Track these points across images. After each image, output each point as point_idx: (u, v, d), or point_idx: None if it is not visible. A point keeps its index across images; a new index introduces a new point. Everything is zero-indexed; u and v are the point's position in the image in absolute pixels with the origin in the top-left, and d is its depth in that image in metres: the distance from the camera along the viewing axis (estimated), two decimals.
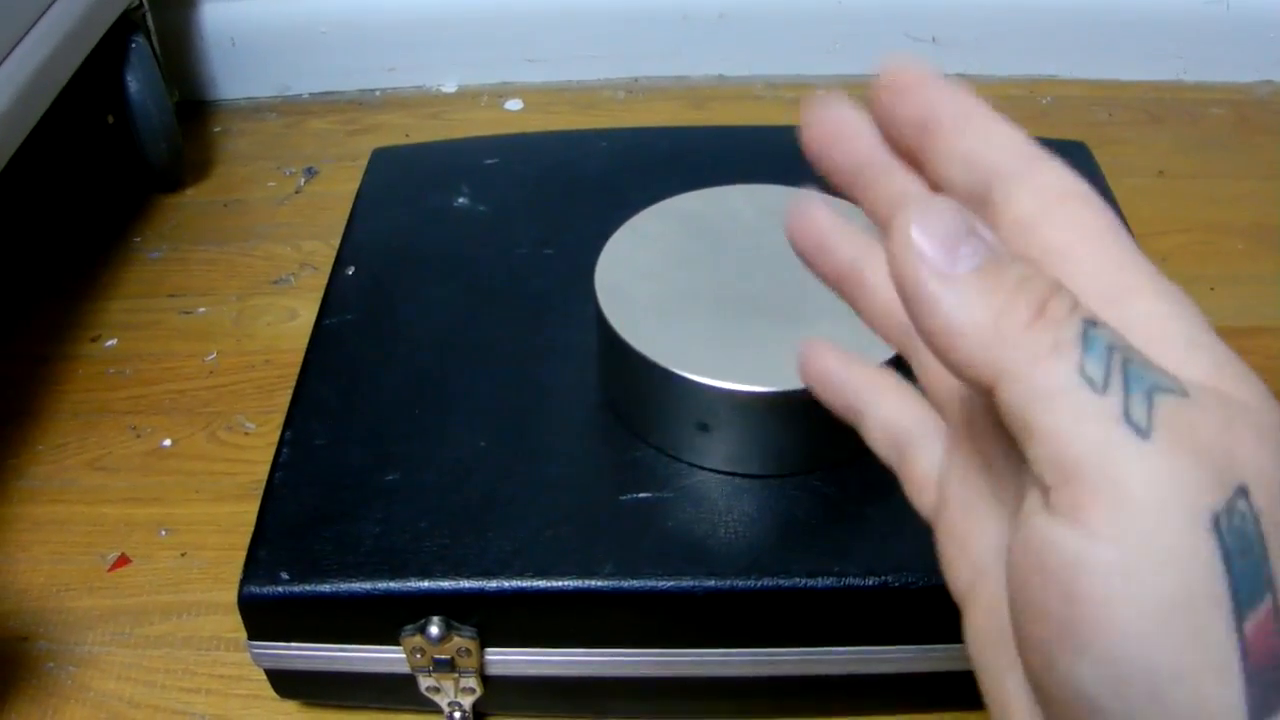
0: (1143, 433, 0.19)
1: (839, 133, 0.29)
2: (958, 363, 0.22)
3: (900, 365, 0.32)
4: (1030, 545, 0.21)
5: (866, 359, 0.33)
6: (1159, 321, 0.22)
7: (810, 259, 0.31)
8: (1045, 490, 0.20)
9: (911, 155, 0.28)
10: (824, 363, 0.33)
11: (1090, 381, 0.20)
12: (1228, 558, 0.19)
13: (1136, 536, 0.19)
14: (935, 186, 0.27)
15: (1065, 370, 0.20)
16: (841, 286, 0.31)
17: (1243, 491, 0.19)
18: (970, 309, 0.21)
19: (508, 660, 0.58)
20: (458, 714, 0.62)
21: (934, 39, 1.18)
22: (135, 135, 1.01)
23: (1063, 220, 0.24)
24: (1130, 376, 0.20)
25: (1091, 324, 0.21)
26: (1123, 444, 0.19)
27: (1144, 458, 0.19)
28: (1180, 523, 0.19)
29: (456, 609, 0.56)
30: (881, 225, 0.29)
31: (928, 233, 0.22)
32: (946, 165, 0.26)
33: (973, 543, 0.28)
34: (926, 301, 0.22)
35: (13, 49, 0.81)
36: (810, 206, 0.31)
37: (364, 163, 0.83)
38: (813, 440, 0.58)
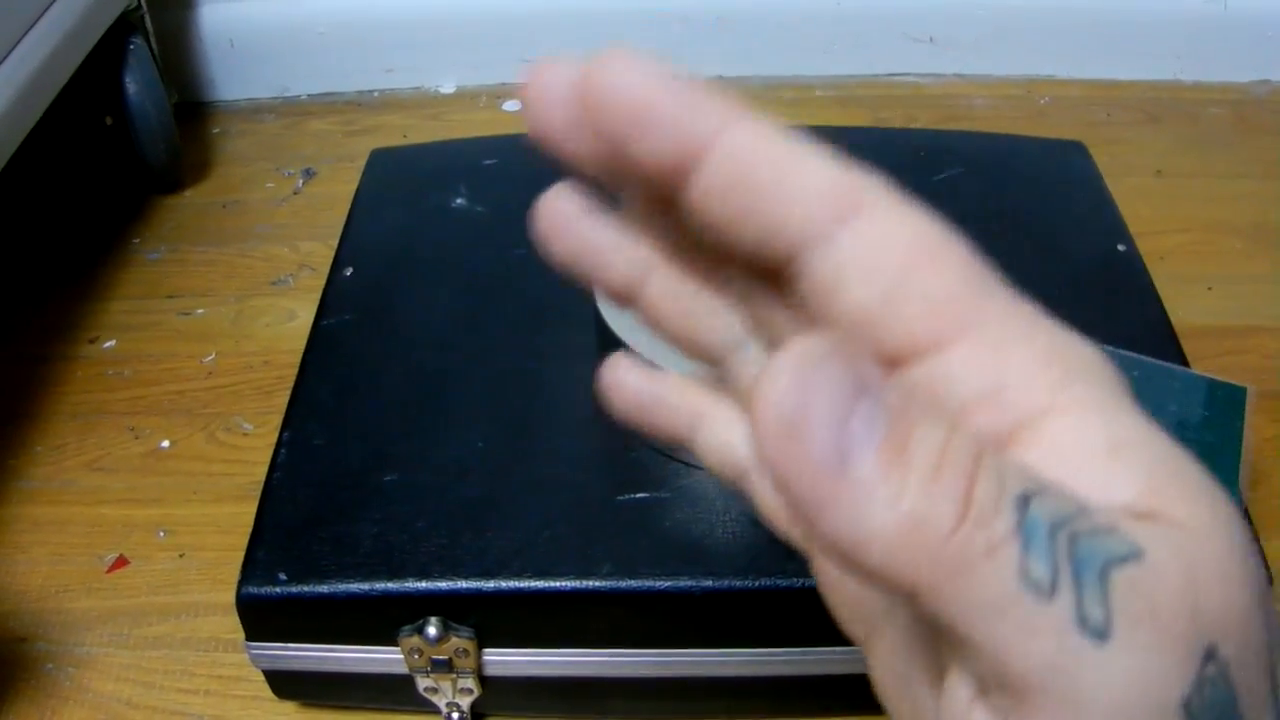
0: (1101, 634, 0.16)
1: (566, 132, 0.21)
2: (861, 571, 0.17)
3: None
4: None
5: (679, 372, 0.27)
6: (1070, 421, 0.18)
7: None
8: (984, 685, 0.17)
9: (660, 199, 0.20)
10: (630, 386, 0.27)
11: (1036, 586, 0.16)
12: None
13: None
14: (698, 243, 0.21)
15: (1005, 579, 0.16)
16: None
17: (1211, 653, 0.17)
18: (874, 513, 0.16)
19: (506, 661, 0.58)
20: (456, 715, 0.62)
21: (931, 39, 1.18)
22: (134, 136, 1.01)
23: (919, 304, 0.19)
24: (1080, 560, 0.16)
25: (1026, 500, 0.17)
26: (1078, 656, 0.16)
27: (1103, 666, 0.16)
28: None
29: (454, 609, 0.56)
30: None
31: (804, 409, 0.16)
32: (726, 228, 0.19)
33: (860, 600, 0.24)
34: (812, 504, 0.17)
35: (11, 50, 0.81)
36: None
37: (362, 163, 0.83)
38: None
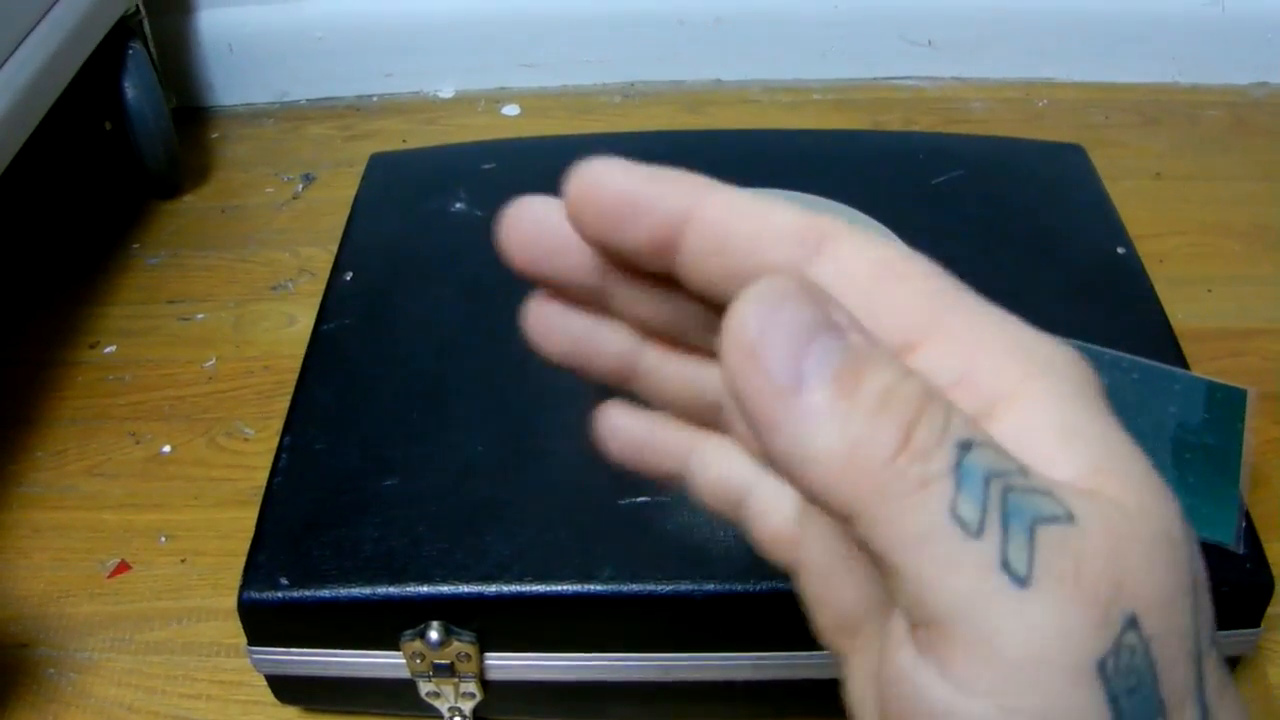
0: (1021, 580, 0.17)
1: (547, 246, 0.23)
2: (805, 490, 0.18)
3: None
4: (900, 683, 0.18)
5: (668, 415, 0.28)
6: (1029, 405, 0.19)
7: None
8: (912, 625, 0.18)
9: (658, 278, 0.23)
10: (626, 433, 0.28)
11: (963, 523, 0.17)
12: (1115, 701, 0.17)
13: (1013, 693, 0.17)
14: (706, 308, 0.23)
15: (934, 512, 0.17)
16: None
17: (1132, 622, 0.17)
18: (820, 435, 0.18)
19: (508, 665, 0.58)
20: (458, 719, 0.62)
21: (930, 42, 1.18)
22: (133, 141, 1.01)
23: (888, 313, 0.20)
24: (1010, 510, 0.17)
25: (966, 447, 0.18)
26: (997, 596, 0.17)
27: (1021, 610, 0.17)
28: (1061, 677, 0.17)
29: (456, 614, 0.56)
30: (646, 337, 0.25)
31: (769, 333, 0.18)
32: (715, 284, 0.21)
33: (844, 608, 0.24)
34: (766, 422, 0.18)
35: (10, 55, 0.81)
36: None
37: (362, 168, 0.83)
38: None
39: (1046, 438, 0.19)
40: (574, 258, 0.23)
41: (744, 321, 0.18)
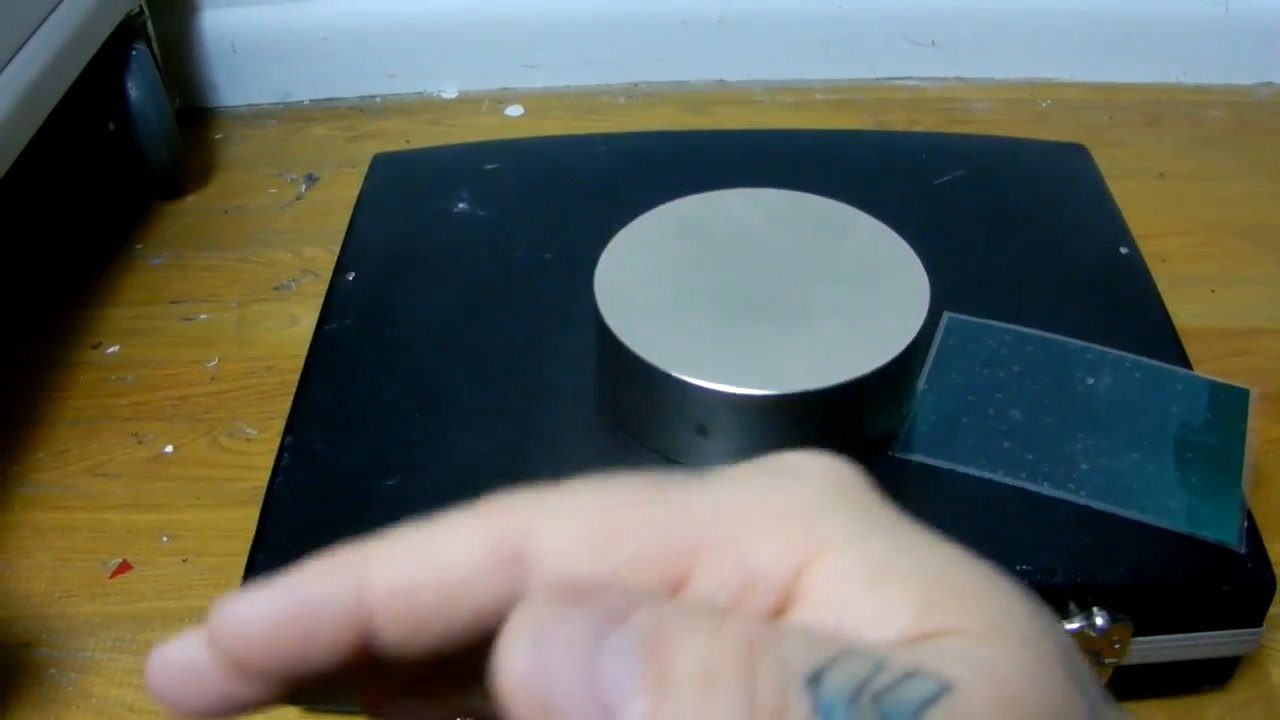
0: None
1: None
2: None
3: None
4: None
5: None
6: (823, 568, 0.17)
7: None
8: None
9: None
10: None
11: None
12: None
13: None
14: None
15: None
16: None
17: None
18: None
19: None
20: (459, 715, 0.62)
21: (933, 42, 1.18)
22: (136, 142, 1.01)
23: (630, 575, 0.18)
24: (890, 717, 0.15)
25: (817, 679, 0.16)
26: None
27: None
28: None
29: None
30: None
31: (551, 672, 0.15)
32: (445, 640, 0.18)
33: None
34: None
35: (14, 56, 0.81)
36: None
37: (364, 169, 0.83)
38: (810, 443, 0.58)
39: (857, 594, 0.17)
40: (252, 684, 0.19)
41: (521, 669, 0.16)
